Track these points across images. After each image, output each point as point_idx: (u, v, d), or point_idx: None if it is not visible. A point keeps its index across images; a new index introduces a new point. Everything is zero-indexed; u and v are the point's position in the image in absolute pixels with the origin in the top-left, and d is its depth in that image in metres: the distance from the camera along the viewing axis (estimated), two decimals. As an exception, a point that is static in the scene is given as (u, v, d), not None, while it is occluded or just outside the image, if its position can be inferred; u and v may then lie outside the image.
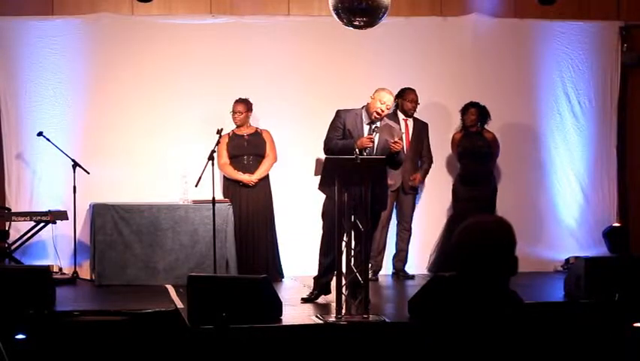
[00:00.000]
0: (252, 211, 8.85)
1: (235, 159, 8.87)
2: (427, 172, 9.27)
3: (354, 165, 6.71)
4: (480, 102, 9.24)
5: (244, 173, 8.84)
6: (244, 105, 8.89)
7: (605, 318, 6.69)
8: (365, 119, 7.33)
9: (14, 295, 6.79)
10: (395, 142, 7.13)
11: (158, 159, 9.21)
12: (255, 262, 8.78)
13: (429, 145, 9.25)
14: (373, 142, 7.15)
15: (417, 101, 9.11)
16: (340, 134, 7.34)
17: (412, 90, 9.12)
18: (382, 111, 7.25)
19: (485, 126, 9.26)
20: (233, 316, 6.11)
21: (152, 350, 6.30)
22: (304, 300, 7.49)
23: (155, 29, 9.30)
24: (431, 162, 9.26)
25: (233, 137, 8.91)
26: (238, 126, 8.93)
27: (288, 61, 9.39)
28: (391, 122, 7.57)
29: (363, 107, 7.38)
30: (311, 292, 7.56)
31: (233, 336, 6.01)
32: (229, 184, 8.92)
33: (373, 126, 7.24)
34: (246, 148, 8.88)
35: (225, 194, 8.91)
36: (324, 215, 7.35)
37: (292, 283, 8.75)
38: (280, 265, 8.99)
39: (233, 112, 8.89)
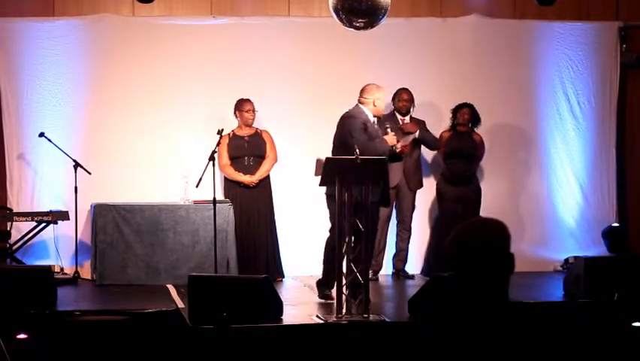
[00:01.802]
0: (253, 212, 8.87)
1: (236, 160, 8.89)
2: (434, 141, 9.13)
3: (354, 165, 6.73)
4: (478, 103, 9.22)
5: (245, 174, 8.86)
6: (253, 104, 8.92)
7: (605, 318, 6.71)
8: (371, 118, 7.46)
9: (16, 295, 6.81)
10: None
11: (159, 160, 9.22)
12: (255, 262, 8.79)
13: (431, 134, 9.23)
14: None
15: (409, 100, 9.09)
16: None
17: (405, 90, 9.10)
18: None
19: (476, 127, 9.26)
20: (234, 315, 6.14)
21: (153, 350, 6.31)
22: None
23: (156, 30, 9.32)
24: (437, 140, 9.17)
25: (234, 138, 8.91)
26: (246, 126, 8.93)
27: (288, 62, 9.41)
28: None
29: (358, 107, 7.49)
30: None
31: (234, 336, 6.03)
32: (230, 185, 8.93)
33: (387, 125, 7.52)
34: (247, 149, 8.90)
35: (226, 195, 8.92)
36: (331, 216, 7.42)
37: (293, 282, 8.77)
38: (281, 265, 9.01)
39: (246, 111, 8.86)
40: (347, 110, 7.60)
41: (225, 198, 8.86)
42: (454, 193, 9.09)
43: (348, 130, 7.41)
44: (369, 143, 7.28)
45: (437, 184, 9.30)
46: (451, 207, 9.01)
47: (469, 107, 9.19)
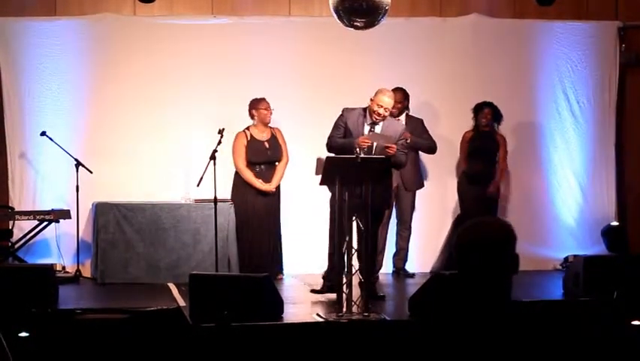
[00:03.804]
0: (261, 210, 8.78)
1: (252, 164, 8.77)
2: (429, 147, 9.12)
3: (354, 164, 6.76)
4: (478, 102, 9.23)
5: (257, 179, 8.77)
6: (268, 102, 8.83)
7: (604, 316, 6.73)
8: (367, 120, 7.44)
9: (17, 294, 6.83)
10: (388, 147, 7.22)
11: (160, 159, 9.24)
12: (261, 259, 8.77)
13: (428, 135, 9.14)
14: (371, 145, 7.23)
15: (400, 101, 8.92)
16: (341, 133, 7.49)
17: (397, 90, 8.91)
18: (380, 114, 7.35)
19: (499, 126, 9.23)
20: (235, 314, 6.16)
21: (154, 348, 6.33)
22: (314, 291, 7.67)
23: (156, 29, 9.34)
24: (434, 144, 9.12)
25: (253, 141, 8.80)
26: (263, 125, 8.83)
27: (288, 61, 9.42)
28: (391, 128, 7.59)
29: (367, 107, 7.49)
30: (322, 286, 7.70)
31: (235, 334, 6.06)
32: (240, 182, 8.81)
33: (368, 128, 7.38)
34: (268, 155, 8.79)
35: (235, 192, 8.81)
36: (330, 213, 7.45)
37: (293, 281, 8.79)
38: (281, 263, 9.00)
39: (264, 109, 8.77)
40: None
41: (235, 195, 8.78)
42: (475, 193, 9.09)
43: None
44: (334, 137, 7.47)
45: (458, 183, 9.31)
46: (472, 206, 8.99)
47: (490, 106, 9.13)
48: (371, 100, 7.41)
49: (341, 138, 7.47)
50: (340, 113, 7.60)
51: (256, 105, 8.83)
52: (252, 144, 8.78)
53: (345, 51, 9.41)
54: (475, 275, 2.96)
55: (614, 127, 9.97)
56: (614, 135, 9.99)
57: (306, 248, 8.99)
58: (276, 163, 8.85)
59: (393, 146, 7.24)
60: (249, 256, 8.76)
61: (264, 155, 8.80)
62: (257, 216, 8.79)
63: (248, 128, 8.85)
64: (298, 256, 9.05)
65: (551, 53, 9.89)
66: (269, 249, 8.86)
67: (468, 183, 9.19)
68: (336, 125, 7.58)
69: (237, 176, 8.84)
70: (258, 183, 8.74)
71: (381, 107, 7.35)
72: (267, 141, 8.84)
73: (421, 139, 9.06)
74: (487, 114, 9.15)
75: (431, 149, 9.17)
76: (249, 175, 8.75)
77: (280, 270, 8.95)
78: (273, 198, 8.86)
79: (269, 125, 8.90)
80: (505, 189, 9.63)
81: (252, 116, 8.87)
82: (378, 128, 7.44)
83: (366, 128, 7.41)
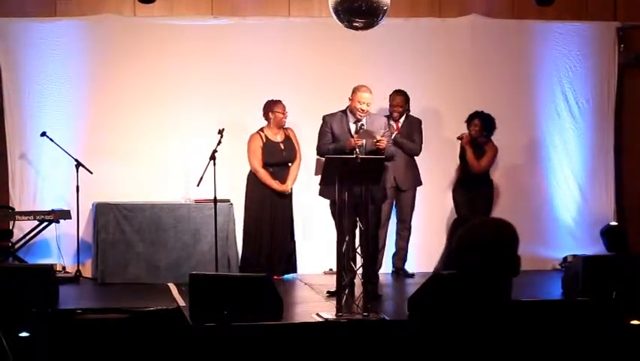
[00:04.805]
0: (277, 210, 8.81)
1: (266, 166, 8.79)
2: (413, 150, 9.06)
3: (354, 164, 6.78)
4: (477, 103, 9.17)
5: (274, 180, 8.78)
6: (284, 105, 8.84)
7: (603, 316, 6.74)
8: (351, 119, 7.50)
9: (18, 294, 6.84)
10: (378, 141, 7.26)
11: (160, 159, 9.26)
12: (278, 259, 8.80)
13: (420, 138, 9.11)
14: (362, 143, 7.26)
15: (401, 104, 9.01)
16: (330, 139, 7.54)
17: (398, 93, 9.06)
18: (363, 110, 7.46)
19: (491, 135, 9.19)
20: (235, 314, 6.18)
21: (154, 348, 6.34)
22: (329, 293, 7.57)
23: (156, 30, 9.35)
24: (418, 148, 9.07)
25: (268, 142, 8.82)
26: (278, 128, 8.85)
27: (288, 62, 9.44)
28: (376, 123, 7.61)
29: (346, 108, 7.55)
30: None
31: (235, 334, 6.07)
32: (255, 182, 8.81)
33: (359, 124, 7.41)
34: (283, 157, 8.83)
35: (251, 192, 8.82)
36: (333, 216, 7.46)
37: (294, 281, 8.80)
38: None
39: (281, 112, 8.79)
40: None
41: (251, 196, 8.79)
42: (467, 196, 9.10)
43: None
44: (324, 146, 7.50)
45: (453, 188, 9.33)
46: (465, 210, 9.00)
47: (479, 117, 9.11)
48: (350, 100, 7.51)
49: (330, 144, 7.52)
50: (322, 121, 7.64)
51: (272, 107, 8.84)
52: (268, 146, 8.80)
53: (344, 51, 9.43)
54: (474, 275, 2.97)
55: (613, 127, 9.98)
56: (613, 135, 10.00)
57: (306, 248, 9.00)
58: (289, 164, 8.88)
59: (383, 139, 7.32)
60: (267, 257, 8.76)
61: (280, 156, 8.83)
62: (273, 216, 8.81)
63: (262, 129, 8.87)
64: (298, 256, 9.05)
65: (550, 53, 9.91)
66: (286, 249, 8.87)
67: (460, 188, 9.22)
68: (323, 133, 7.62)
69: (251, 176, 8.86)
70: (276, 184, 8.75)
71: (363, 103, 7.48)
72: (282, 142, 8.87)
73: (407, 141, 9.05)
74: (475, 125, 9.14)
75: (414, 152, 9.12)
76: (265, 176, 8.76)
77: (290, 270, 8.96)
78: (287, 199, 8.88)
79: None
80: (504, 190, 9.65)
81: (266, 118, 8.88)
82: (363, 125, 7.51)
83: (353, 127, 7.46)
